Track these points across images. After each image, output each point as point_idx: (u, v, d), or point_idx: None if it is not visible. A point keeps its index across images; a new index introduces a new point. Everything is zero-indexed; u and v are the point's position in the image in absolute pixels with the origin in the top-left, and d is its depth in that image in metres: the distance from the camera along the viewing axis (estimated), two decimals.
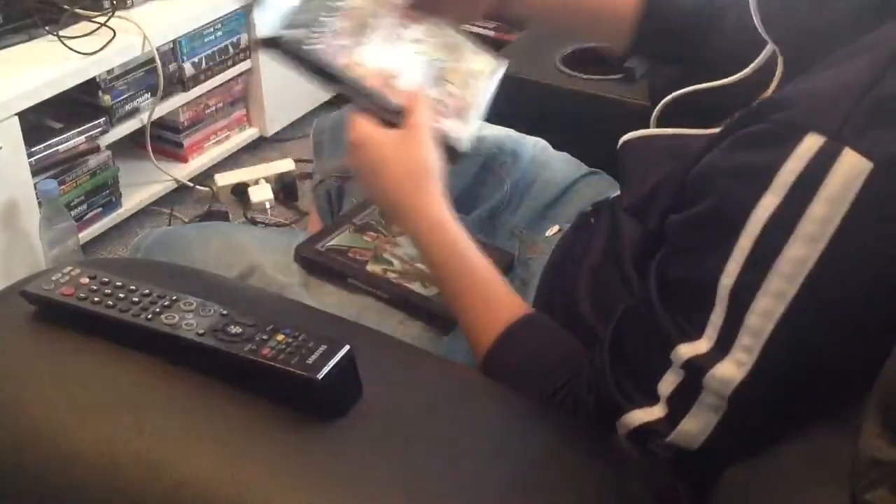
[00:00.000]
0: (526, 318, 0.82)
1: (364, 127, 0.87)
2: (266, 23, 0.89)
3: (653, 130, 0.91)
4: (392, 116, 0.89)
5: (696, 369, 0.65)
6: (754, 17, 0.75)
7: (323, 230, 1.02)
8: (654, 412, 0.68)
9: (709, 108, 0.82)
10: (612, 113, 1.71)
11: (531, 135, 1.23)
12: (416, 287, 0.97)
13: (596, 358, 0.73)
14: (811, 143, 0.59)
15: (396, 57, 0.96)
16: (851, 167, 0.57)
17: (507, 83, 1.84)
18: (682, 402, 0.66)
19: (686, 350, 0.65)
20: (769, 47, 0.81)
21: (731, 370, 0.63)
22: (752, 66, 0.85)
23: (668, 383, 0.67)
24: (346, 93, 0.91)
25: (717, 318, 0.63)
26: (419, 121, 0.87)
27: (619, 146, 0.89)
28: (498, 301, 0.83)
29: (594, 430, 0.72)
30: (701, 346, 0.64)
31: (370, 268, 0.98)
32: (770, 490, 0.61)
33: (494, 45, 2.46)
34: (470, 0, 1.01)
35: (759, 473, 0.64)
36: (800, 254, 0.59)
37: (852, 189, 0.57)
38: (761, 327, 0.61)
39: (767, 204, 0.60)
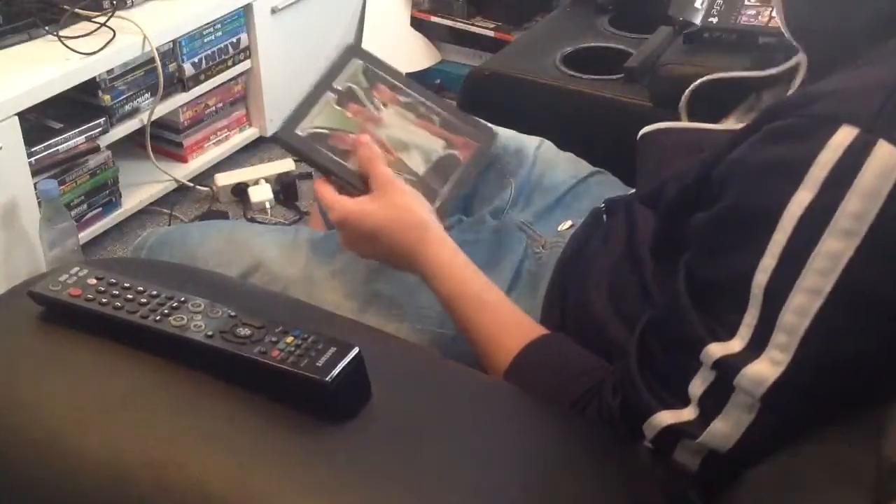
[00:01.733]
0: (544, 337, 0.82)
1: (341, 203, 0.89)
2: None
3: (670, 124, 0.91)
4: (358, 184, 0.93)
5: (727, 369, 0.63)
6: (780, 23, 0.75)
7: (305, 100, 0.99)
8: (685, 414, 0.67)
9: (729, 98, 0.82)
10: (612, 113, 1.71)
11: (531, 135, 1.23)
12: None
13: (622, 363, 0.72)
14: (844, 136, 0.58)
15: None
16: (886, 159, 0.57)
17: (507, 83, 1.85)
18: (714, 402, 0.65)
19: (717, 350, 0.64)
20: (794, 59, 0.80)
21: (765, 369, 0.62)
22: (785, 65, 0.84)
23: (698, 384, 0.66)
24: (326, 171, 0.95)
25: (750, 317, 0.62)
26: (386, 176, 0.90)
27: (638, 139, 0.89)
28: (513, 324, 0.83)
29: (617, 436, 0.71)
30: (733, 345, 0.63)
31: (351, 166, 0.95)
32: (787, 497, 0.61)
33: (494, 45, 2.47)
34: None
35: (776, 480, 0.63)
36: (835, 248, 0.58)
37: (888, 182, 0.57)
38: (797, 325, 0.60)
39: (801, 199, 0.59)
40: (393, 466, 0.62)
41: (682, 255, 0.70)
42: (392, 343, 0.79)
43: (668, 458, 0.68)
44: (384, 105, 1.00)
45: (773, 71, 0.85)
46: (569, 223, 1.01)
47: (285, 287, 0.97)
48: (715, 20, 1.65)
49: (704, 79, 0.90)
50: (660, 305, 0.73)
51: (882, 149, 0.57)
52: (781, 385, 0.62)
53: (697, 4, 1.71)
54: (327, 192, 0.92)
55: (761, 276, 0.61)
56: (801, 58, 0.81)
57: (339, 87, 0.99)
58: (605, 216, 0.97)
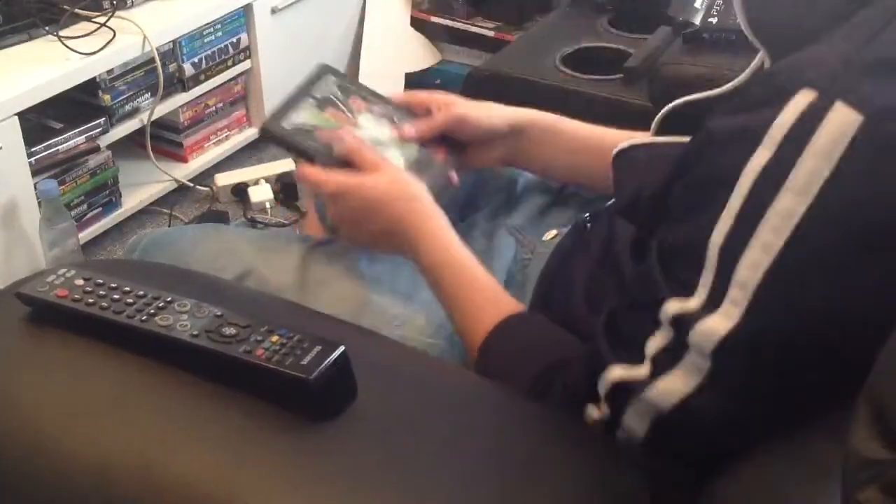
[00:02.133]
0: (520, 314, 0.84)
1: (337, 177, 0.92)
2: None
3: (646, 139, 0.92)
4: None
5: (683, 325, 0.64)
6: (740, 20, 0.75)
7: (285, 103, 1.02)
8: (638, 371, 0.68)
9: (703, 118, 0.84)
10: (612, 113, 1.71)
11: None
12: None
13: (591, 344, 0.73)
14: (802, 99, 0.59)
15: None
16: (841, 120, 0.57)
17: (507, 83, 1.85)
18: (666, 360, 0.66)
19: (675, 306, 0.65)
20: (758, 57, 0.81)
21: (717, 323, 0.62)
22: (743, 74, 0.85)
23: (655, 342, 0.67)
24: (310, 158, 0.98)
25: (707, 275, 0.63)
26: (376, 156, 0.94)
27: (613, 155, 0.90)
28: (493, 300, 0.86)
29: (578, 411, 0.73)
30: (691, 303, 0.64)
31: (337, 154, 0.98)
32: (762, 491, 0.61)
33: (494, 45, 2.48)
34: (483, 149, 1.05)
35: (751, 477, 0.63)
36: (788, 206, 0.59)
37: (842, 142, 0.57)
38: (749, 279, 0.61)
39: (759, 158, 0.60)
40: (376, 465, 0.61)
41: None
42: (380, 343, 0.79)
43: (620, 419, 0.69)
44: (358, 112, 1.04)
45: (732, 84, 0.86)
46: (554, 232, 1.01)
47: (277, 293, 0.97)
48: (715, 20, 1.65)
49: (669, 107, 0.92)
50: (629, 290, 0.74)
51: (839, 110, 0.58)
52: (731, 340, 0.62)
53: (697, 4, 1.72)
54: (314, 170, 0.94)
55: (719, 234, 0.62)
56: (759, 61, 0.81)
57: (318, 95, 1.03)
58: (588, 225, 0.98)
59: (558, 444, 0.69)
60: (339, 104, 1.04)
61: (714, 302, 0.63)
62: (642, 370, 0.67)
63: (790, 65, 0.63)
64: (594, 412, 0.71)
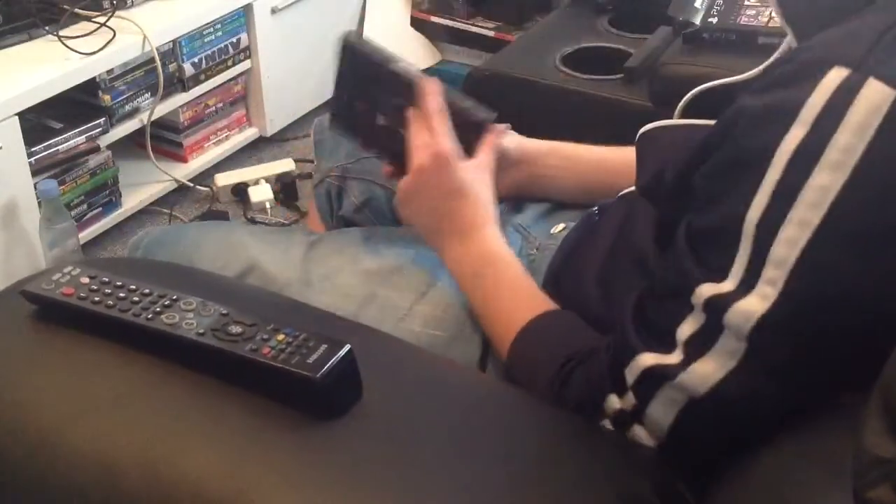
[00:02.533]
0: (553, 311, 0.85)
1: (450, 143, 0.91)
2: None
3: (670, 122, 0.91)
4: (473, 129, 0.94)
5: (717, 308, 0.64)
6: (773, 8, 0.76)
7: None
8: (669, 358, 0.67)
9: (722, 105, 0.84)
10: (612, 113, 1.71)
11: (531, 135, 1.23)
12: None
13: (617, 330, 0.73)
14: (835, 76, 0.59)
15: None
16: (875, 96, 0.58)
17: (507, 83, 1.85)
18: (699, 344, 0.65)
19: (708, 289, 0.64)
20: (785, 43, 0.81)
21: (754, 303, 0.62)
22: (770, 59, 0.85)
23: (687, 328, 0.66)
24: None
25: (742, 256, 0.63)
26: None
27: (637, 137, 0.90)
28: (531, 299, 0.87)
29: (600, 400, 0.72)
30: (725, 286, 0.64)
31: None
32: (773, 488, 0.61)
33: (494, 45, 2.48)
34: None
35: (761, 474, 0.63)
36: (825, 182, 0.59)
37: (876, 117, 0.58)
38: (785, 256, 0.61)
39: (793, 136, 0.60)
40: (382, 464, 0.62)
41: None
42: (386, 341, 0.79)
43: (644, 409, 0.69)
44: None
45: (758, 70, 0.86)
46: (562, 226, 1.02)
47: (281, 289, 0.97)
48: (715, 20, 1.65)
49: (696, 90, 0.92)
50: (655, 279, 0.73)
51: (872, 86, 0.58)
52: (769, 321, 0.62)
53: (697, 4, 1.71)
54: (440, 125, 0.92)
55: (754, 213, 0.62)
56: (786, 45, 0.82)
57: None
58: (597, 217, 0.98)
59: (566, 444, 0.69)
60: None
61: (749, 283, 0.62)
62: (674, 357, 0.67)
63: (821, 41, 0.63)
64: (616, 402, 0.71)
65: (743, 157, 0.64)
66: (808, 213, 0.60)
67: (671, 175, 0.73)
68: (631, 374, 0.69)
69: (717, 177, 0.67)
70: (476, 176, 0.93)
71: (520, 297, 0.87)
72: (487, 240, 0.91)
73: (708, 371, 0.65)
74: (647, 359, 0.68)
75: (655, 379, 0.68)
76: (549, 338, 0.82)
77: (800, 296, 0.61)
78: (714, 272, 0.64)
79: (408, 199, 0.94)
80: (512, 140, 1.05)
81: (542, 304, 0.86)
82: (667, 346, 0.67)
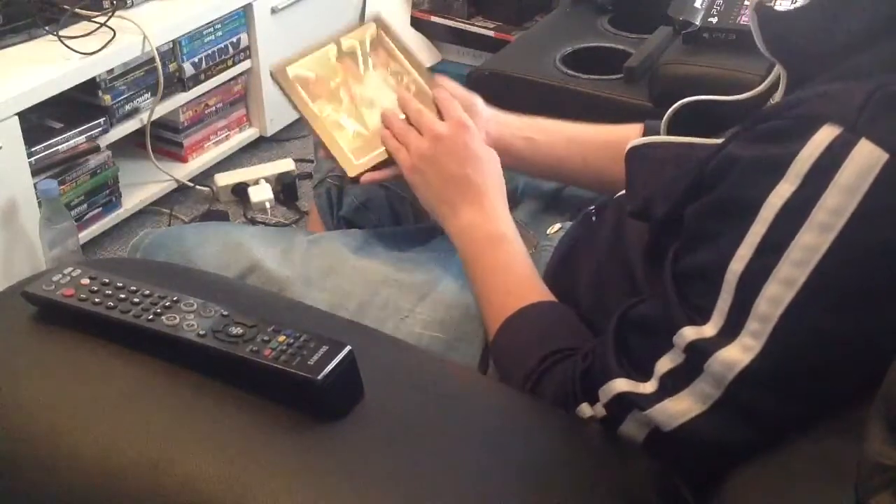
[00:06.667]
0: (547, 302, 0.85)
1: (464, 116, 0.96)
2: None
3: (659, 138, 0.92)
4: None
5: (698, 353, 0.64)
6: (756, 38, 0.75)
7: (308, 47, 1.04)
8: (643, 387, 0.68)
9: (715, 119, 0.84)
10: (612, 113, 1.71)
11: None
12: (339, 135, 1.01)
13: (602, 337, 0.74)
14: (827, 133, 0.59)
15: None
16: (866, 157, 0.58)
17: (507, 83, 1.85)
18: (675, 382, 0.66)
19: (691, 333, 0.65)
20: (777, 68, 0.81)
21: (736, 354, 0.62)
22: (764, 83, 0.85)
23: (666, 363, 0.67)
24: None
25: (724, 303, 0.63)
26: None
27: (626, 152, 0.90)
28: (528, 285, 0.87)
29: (573, 401, 0.73)
30: (707, 330, 0.64)
31: (316, 106, 1.01)
32: (774, 494, 0.61)
33: (494, 45, 2.47)
34: None
35: (764, 477, 0.63)
36: (812, 241, 0.59)
37: (867, 179, 0.58)
38: (769, 313, 0.61)
39: (782, 191, 0.60)
40: (384, 465, 0.61)
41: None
42: (387, 343, 0.78)
43: (616, 427, 0.70)
44: (373, 67, 1.06)
45: (750, 94, 0.86)
46: (558, 226, 1.02)
47: (281, 289, 0.97)
48: (715, 20, 1.65)
49: (682, 101, 0.92)
50: (641, 298, 0.74)
51: (863, 147, 0.58)
52: (750, 372, 0.62)
53: (697, 4, 1.71)
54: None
55: (737, 265, 0.62)
56: (777, 74, 0.82)
57: (344, 44, 1.05)
58: (594, 217, 0.98)
59: (566, 446, 0.69)
60: (358, 55, 1.05)
61: (731, 331, 0.63)
62: (648, 387, 0.68)
63: (811, 95, 0.63)
64: (588, 410, 0.72)
65: (730, 206, 0.64)
66: (793, 272, 0.60)
67: (661, 208, 0.74)
68: (604, 395, 0.71)
69: (705, 219, 0.67)
70: (491, 152, 0.96)
71: (515, 283, 0.88)
72: (495, 216, 0.92)
73: (679, 409, 0.66)
74: (622, 384, 0.69)
75: (626, 404, 0.69)
76: (533, 330, 0.83)
77: (782, 353, 0.62)
78: (696, 313, 0.65)
79: (423, 166, 0.95)
80: (486, 110, 1.06)
81: (537, 292, 0.87)
82: (643, 374, 0.68)
